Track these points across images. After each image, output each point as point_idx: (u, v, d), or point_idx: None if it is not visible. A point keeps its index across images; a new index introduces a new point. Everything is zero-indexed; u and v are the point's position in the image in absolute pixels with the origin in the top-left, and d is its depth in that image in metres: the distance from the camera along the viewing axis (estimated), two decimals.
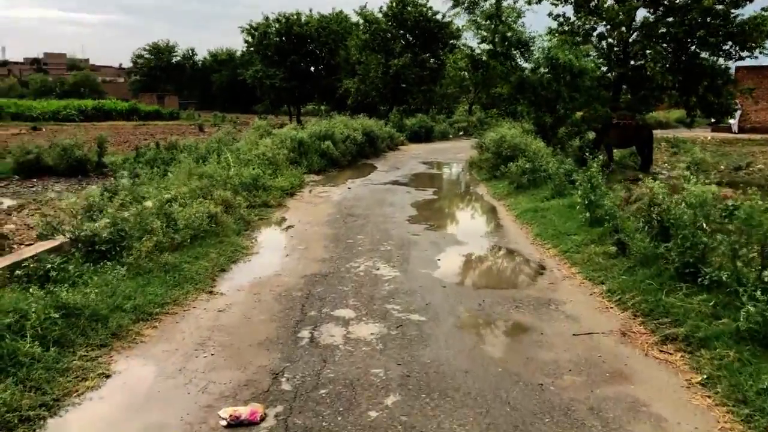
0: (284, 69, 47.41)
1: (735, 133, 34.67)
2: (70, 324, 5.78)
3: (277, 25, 47.70)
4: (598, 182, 10.26)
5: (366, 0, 62.93)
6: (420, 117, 37.28)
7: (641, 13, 19.82)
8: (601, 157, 11.42)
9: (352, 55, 42.39)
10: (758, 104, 33.94)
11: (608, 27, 20.44)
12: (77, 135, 25.67)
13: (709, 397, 4.83)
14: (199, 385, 5.05)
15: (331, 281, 7.94)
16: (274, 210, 13.00)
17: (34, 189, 16.70)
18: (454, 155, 26.38)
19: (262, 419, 4.52)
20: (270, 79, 47.95)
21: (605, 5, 19.91)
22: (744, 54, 18.21)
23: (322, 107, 49.42)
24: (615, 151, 21.31)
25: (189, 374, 5.26)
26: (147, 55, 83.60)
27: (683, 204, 7.45)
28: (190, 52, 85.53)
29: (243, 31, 49.13)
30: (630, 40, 20.07)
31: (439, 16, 40.90)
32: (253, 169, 14.72)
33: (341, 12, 49.64)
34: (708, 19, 17.72)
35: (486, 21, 21.05)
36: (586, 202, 10.12)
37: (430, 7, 41.01)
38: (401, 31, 41.71)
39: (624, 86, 21.93)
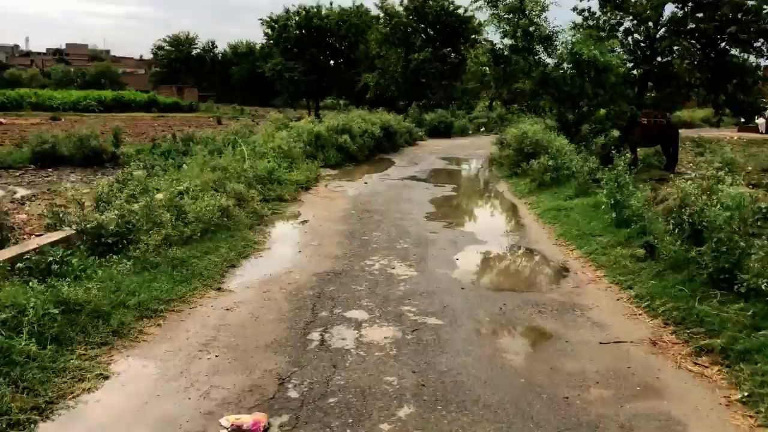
0: (303, 62, 47.17)
1: (763, 133, 33.77)
2: (70, 320, 5.53)
3: (297, 18, 47.45)
4: (625, 182, 9.84)
5: None
6: (439, 112, 36.82)
7: (669, 9, 19.31)
8: (628, 155, 10.96)
9: (372, 48, 42.00)
10: None
11: (635, 22, 19.98)
12: (95, 125, 25.72)
13: (750, 416, 4.43)
14: (201, 390, 4.76)
15: (344, 280, 7.61)
16: (289, 204, 12.71)
17: (48, 179, 16.56)
18: (474, 151, 25.94)
19: (266, 430, 4.21)
20: (289, 72, 47.73)
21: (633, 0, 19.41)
22: None
23: (341, 101, 49.14)
24: (638, 150, 20.76)
25: (191, 377, 4.96)
26: (167, 47, 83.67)
27: (718, 206, 7.03)
28: (210, 44, 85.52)
29: (263, 24, 49.01)
30: (657, 35, 19.56)
31: (460, 11, 40.41)
32: (269, 162, 14.45)
33: (362, 5, 49.33)
34: (739, 15, 17.17)
35: (509, 15, 20.58)
36: (612, 201, 9.70)
37: (452, 1, 40.54)
38: (422, 25, 41.27)
39: (649, 83, 21.42)
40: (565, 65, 19.16)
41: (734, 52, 18.78)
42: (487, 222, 12.24)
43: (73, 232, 7.60)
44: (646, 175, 16.99)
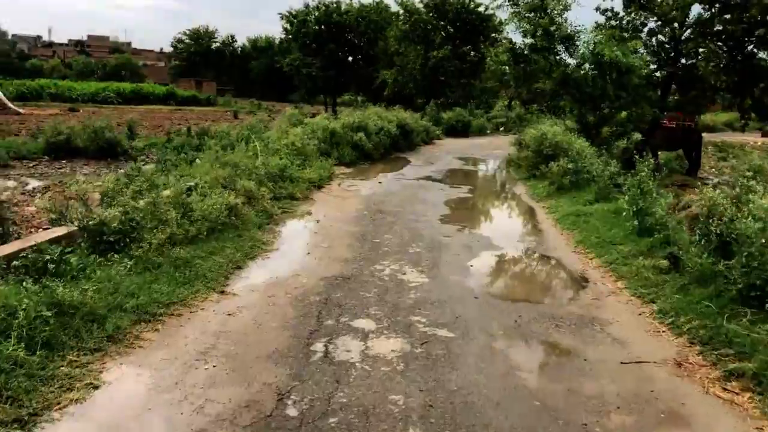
0: (322, 58, 46.83)
1: None
2: (63, 324, 5.27)
3: (316, 13, 47.11)
4: (648, 188, 9.45)
5: None
6: (457, 111, 36.34)
7: (695, 10, 18.77)
8: (652, 160, 10.56)
9: (391, 45, 41.57)
10: None
11: (659, 23, 19.43)
12: (112, 117, 25.67)
13: None
14: (195, 404, 4.48)
15: (353, 285, 7.30)
16: (300, 203, 12.42)
17: (62, 170, 16.44)
18: (492, 151, 25.52)
19: None
20: (307, 68, 47.41)
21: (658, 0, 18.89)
22: None
23: (359, 98, 48.70)
24: (658, 153, 20.26)
25: (186, 389, 4.69)
26: (187, 40, 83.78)
27: (749, 217, 6.63)
28: (230, 38, 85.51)
29: (282, 18, 48.79)
30: (682, 37, 19.03)
31: (481, 8, 39.89)
32: (281, 159, 14.17)
33: (381, 1, 48.81)
34: None
35: (530, 13, 20.13)
36: (635, 209, 9.31)
37: None
38: (442, 23, 40.76)
39: (673, 86, 20.89)
40: (586, 66, 18.69)
41: (762, 55, 18.22)
42: (504, 226, 11.88)
43: (75, 228, 7.38)
44: (668, 180, 16.53)
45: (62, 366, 4.79)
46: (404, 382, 4.88)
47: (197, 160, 13.88)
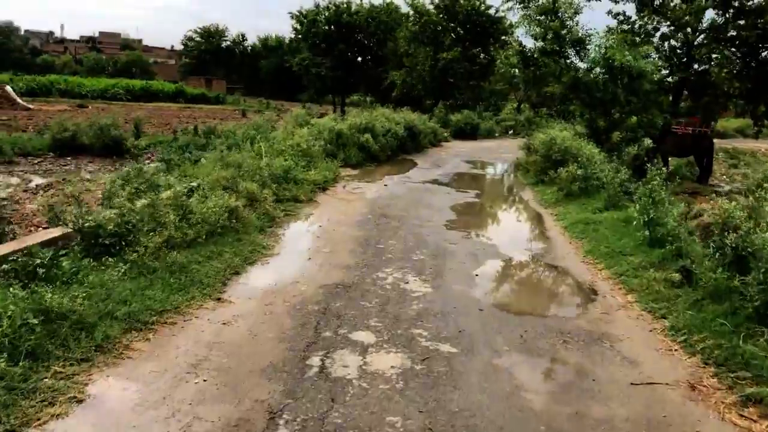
0: (331, 58, 46.70)
1: None
2: (50, 332, 5.07)
3: (326, 13, 46.99)
4: (660, 197, 9.18)
5: None
6: (466, 113, 36.05)
7: (709, 15, 18.49)
8: (664, 169, 10.28)
9: (401, 46, 41.38)
10: None
11: (672, 27, 19.16)
12: (119, 114, 25.54)
13: None
14: (182, 422, 4.27)
15: (353, 294, 7.07)
16: (304, 205, 12.18)
17: (66, 168, 16.33)
18: (500, 155, 25.23)
19: None
20: (316, 68, 47.32)
21: (671, 4, 18.60)
22: None
23: (367, 98, 48.48)
24: (669, 160, 19.95)
25: (174, 405, 4.48)
26: (197, 39, 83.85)
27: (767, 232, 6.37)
28: (240, 37, 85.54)
29: (292, 18, 48.70)
30: (695, 42, 18.74)
31: (491, 11, 39.67)
32: (286, 160, 13.94)
33: (392, 2, 48.62)
34: None
35: (541, 16, 19.88)
36: (646, 218, 9.04)
37: (483, 1, 39.80)
38: (452, 24, 40.52)
39: (685, 91, 20.61)
40: (597, 70, 18.45)
41: None
42: (511, 233, 11.61)
43: (70, 230, 7.19)
44: (678, 188, 16.24)
45: (46, 377, 4.59)
46: (403, 402, 4.65)
47: (202, 160, 13.70)
